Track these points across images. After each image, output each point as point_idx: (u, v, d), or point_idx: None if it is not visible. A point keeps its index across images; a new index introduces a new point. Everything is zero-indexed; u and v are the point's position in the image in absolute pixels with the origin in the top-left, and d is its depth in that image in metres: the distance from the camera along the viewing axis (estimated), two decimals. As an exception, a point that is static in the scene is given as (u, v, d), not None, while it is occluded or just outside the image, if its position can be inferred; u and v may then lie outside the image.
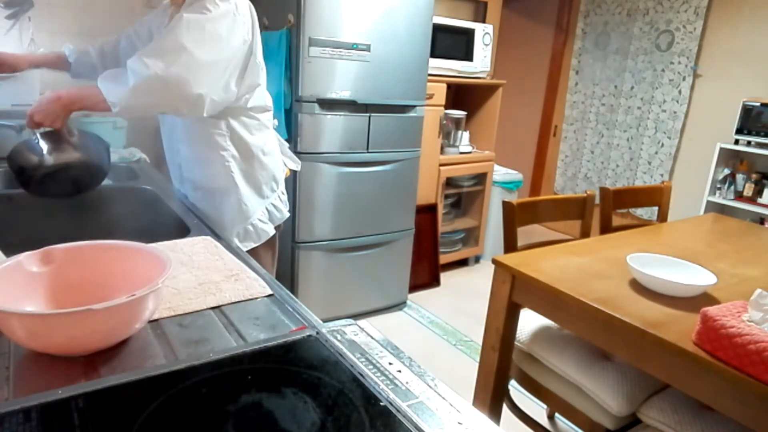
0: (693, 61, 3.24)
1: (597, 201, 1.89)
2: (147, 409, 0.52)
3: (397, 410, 0.54)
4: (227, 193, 1.37)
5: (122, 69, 1.12)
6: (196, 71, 1.12)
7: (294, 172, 2.04)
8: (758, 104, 2.81)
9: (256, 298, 0.81)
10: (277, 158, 1.49)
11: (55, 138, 1.15)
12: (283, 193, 1.54)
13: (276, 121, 1.61)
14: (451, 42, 2.97)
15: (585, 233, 1.83)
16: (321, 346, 0.66)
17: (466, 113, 3.23)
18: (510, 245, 1.62)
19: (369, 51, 2.21)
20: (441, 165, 3.00)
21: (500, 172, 3.44)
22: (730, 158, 3.05)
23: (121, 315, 0.62)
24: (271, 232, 1.47)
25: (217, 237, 1.09)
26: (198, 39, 1.12)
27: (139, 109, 1.18)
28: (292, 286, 2.35)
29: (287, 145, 1.61)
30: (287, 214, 1.55)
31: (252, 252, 1.38)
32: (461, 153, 3.16)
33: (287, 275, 2.36)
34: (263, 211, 1.45)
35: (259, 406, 0.54)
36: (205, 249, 0.98)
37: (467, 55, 3.07)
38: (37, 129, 1.13)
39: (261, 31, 2.38)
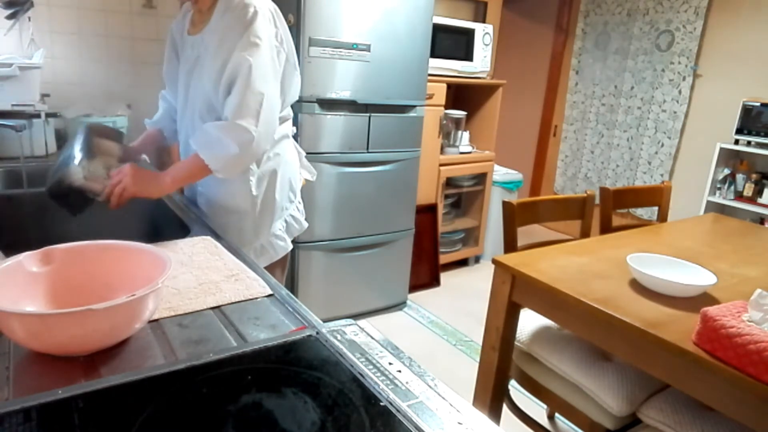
0: (693, 61, 3.24)
1: (597, 201, 1.89)
2: (147, 409, 0.52)
3: (397, 410, 0.54)
4: (245, 211, 1.32)
5: (214, 132, 1.13)
6: (275, 110, 1.17)
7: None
8: (758, 104, 2.81)
9: (256, 298, 0.81)
10: (295, 168, 1.45)
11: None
12: (300, 203, 1.49)
13: (294, 129, 1.59)
14: (451, 42, 2.97)
15: (585, 233, 1.83)
16: (321, 346, 0.66)
17: (466, 113, 3.23)
18: (510, 245, 1.62)
19: (369, 51, 2.21)
20: (441, 165, 3.00)
21: (500, 172, 3.44)
22: (730, 158, 3.05)
23: (121, 315, 0.62)
24: (289, 247, 1.43)
25: (217, 237, 1.09)
26: (264, 77, 1.14)
27: (243, 169, 1.23)
28: (292, 286, 2.35)
29: (304, 154, 1.56)
30: (305, 224, 1.50)
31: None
32: (461, 153, 3.16)
33: (287, 275, 2.36)
34: (282, 224, 1.41)
35: (259, 406, 0.54)
36: (205, 249, 0.98)
37: (467, 55, 3.07)
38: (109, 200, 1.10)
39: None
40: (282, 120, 1.34)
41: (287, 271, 2.34)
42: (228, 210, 1.32)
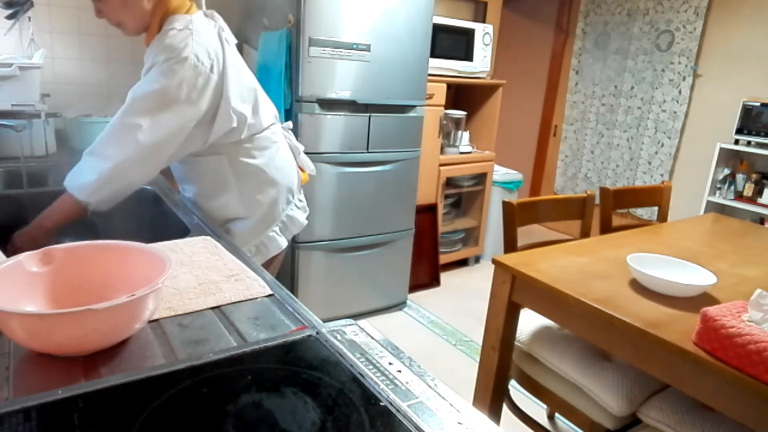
0: (693, 61, 3.24)
1: (597, 201, 1.89)
2: (147, 409, 0.52)
3: (397, 410, 0.54)
4: (240, 220, 1.35)
5: (82, 161, 1.12)
6: (155, 144, 1.11)
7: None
8: (758, 104, 2.81)
9: (256, 298, 0.81)
10: (290, 169, 1.44)
11: None
12: (300, 200, 1.50)
13: (290, 123, 1.58)
14: (451, 42, 2.97)
15: (585, 233, 1.83)
16: (321, 346, 0.66)
17: (466, 113, 3.23)
18: (510, 245, 1.62)
19: (369, 51, 2.21)
20: (441, 165, 3.00)
21: (500, 172, 3.44)
22: (730, 158, 3.05)
23: (121, 315, 0.62)
24: (284, 243, 1.43)
25: (217, 237, 1.09)
26: (151, 113, 1.10)
27: (113, 198, 1.15)
28: (292, 286, 2.35)
29: (302, 148, 1.54)
30: (305, 222, 1.50)
31: None
32: (461, 153, 3.16)
33: (287, 275, 2.36)
34: (277, 224, 1.42)
35: (259, 406, 0.54)
36: (205, 249, 0.98)
37: (467, 55, 3.07)
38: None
39: (261, 31, 2.38)
40: (259, 132, 1.31)
41: (288, 272, 2.36)
42: (224, 219, 1.35)
